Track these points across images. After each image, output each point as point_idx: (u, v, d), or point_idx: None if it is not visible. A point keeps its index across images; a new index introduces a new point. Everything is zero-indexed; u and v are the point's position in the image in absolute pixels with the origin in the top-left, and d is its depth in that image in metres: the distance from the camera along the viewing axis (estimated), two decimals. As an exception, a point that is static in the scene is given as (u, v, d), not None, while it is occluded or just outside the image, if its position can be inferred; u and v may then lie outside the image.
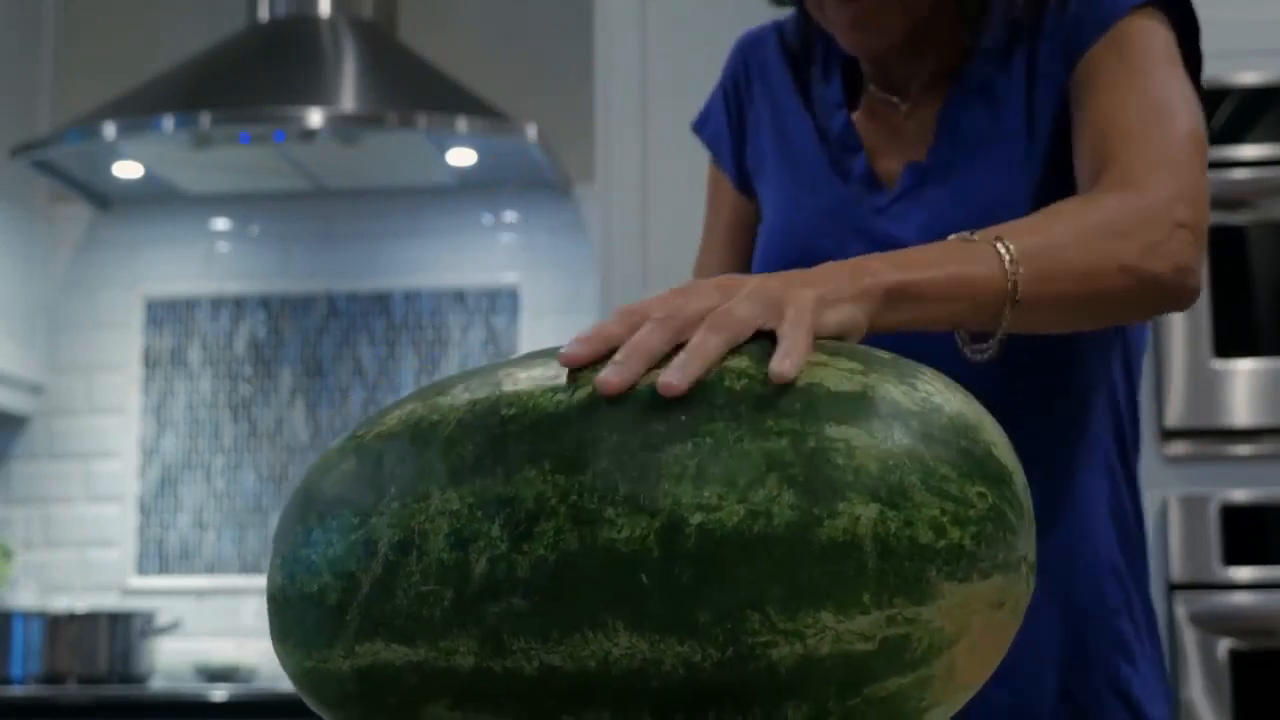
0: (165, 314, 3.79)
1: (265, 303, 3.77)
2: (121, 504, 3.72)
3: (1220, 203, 2.65)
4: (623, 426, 0.75)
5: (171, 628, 3.51)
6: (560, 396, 0.78)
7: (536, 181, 3.67)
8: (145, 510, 3.71)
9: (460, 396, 0.81)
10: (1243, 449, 2.61)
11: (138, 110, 3.32)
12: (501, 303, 3.69)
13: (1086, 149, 1.15)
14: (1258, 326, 2.63)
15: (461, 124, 3.27)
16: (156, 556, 3.68)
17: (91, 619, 3.32)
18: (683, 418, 0.75)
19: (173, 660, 3.59)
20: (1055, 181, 1.21)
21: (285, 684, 3.18)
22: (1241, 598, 2.54)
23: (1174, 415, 2.61)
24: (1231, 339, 2.62)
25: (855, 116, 1.32)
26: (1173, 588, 2.56)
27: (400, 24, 3.79)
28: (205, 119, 3.24)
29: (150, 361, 3.77)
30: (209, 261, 3.81)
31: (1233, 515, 2.56)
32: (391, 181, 3.72)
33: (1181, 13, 1.22)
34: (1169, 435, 2.62)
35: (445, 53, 3.79)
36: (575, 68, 3.72)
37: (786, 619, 0.71)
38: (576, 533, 0.74)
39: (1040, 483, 1.19)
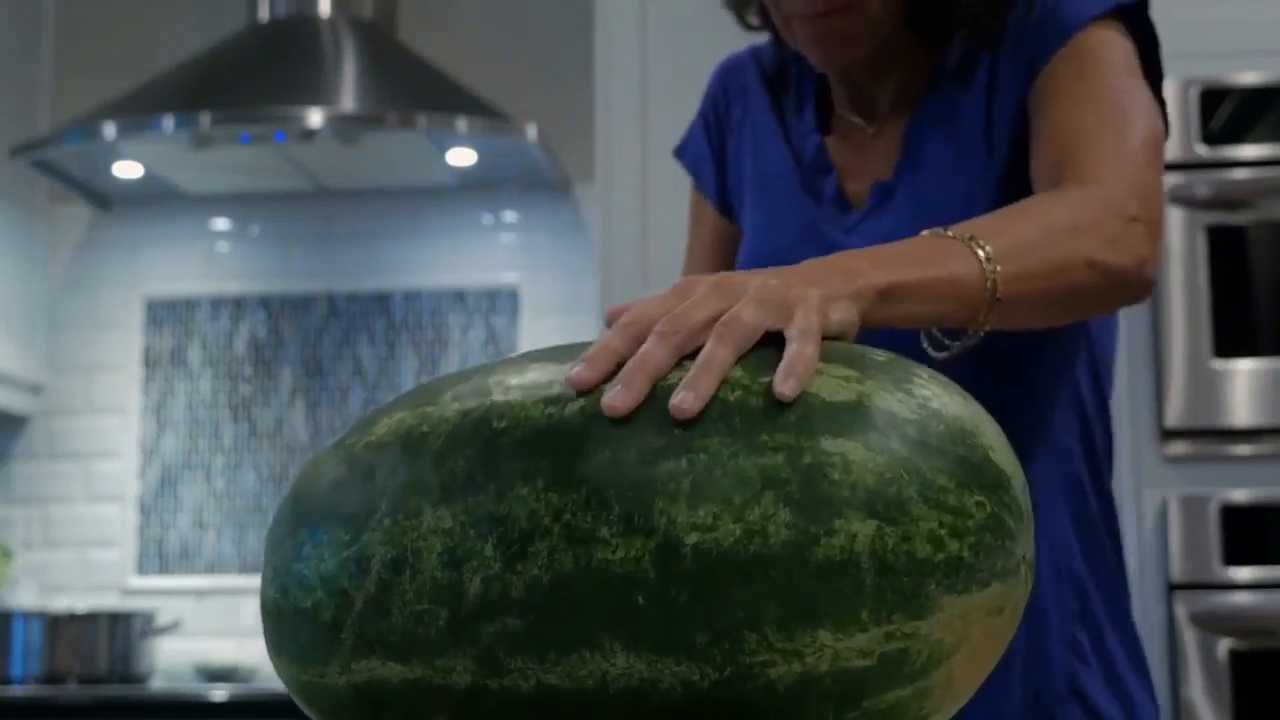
0: (165, 314, 3.79)
1: (265, 303, 3.77)
2: (121, 504, 3.72)
3: (1220, 203, 2.65)
4: (616, 441, 0.74)
5: (171, 628, 3.51)
6: (552, 409, 0.77)
7: (536, 181, 3.67)
8: (145, 510, 3.70)
9: (450, 406, 0.80)
10: (1243, 449, 2.61)
11: (138, 110, 3.32)
12: (501, 303, 3.69)
13: (1044, 154, 1.18)
14: (1258, 326, 2.63)
15: (461, 124, 3.27)
16: (156, 556, 3.68)
17: (91, 619, 3.32)
18: (677, 432, 0.74)
19: (173, 660, 3.59)
20: (1014, 192, 1.23)
21: (284, 686, 3.17)
22: (1241, 598, 2.54)
23: (1174, 415, 2.61)
24: (1231, 339, 2.62)
25: (828, 140, 1.35)
26: (1173, 588, 2.56)
27: (400, 24, 3.79)
28: (205, 119, 3.24)
29: (150, 361, 3.77)
30: (209, 261, 3.80)
31: (1233, 515, 2.56)
32: (391, 181, 3.72)
33: (1141, 26, 1.24)
34: (1169, 435, 2.62)
35: (445, 53, 3.79)
36: (575, 68, 3.72)
37: (784, 638, 0.71)
38: (571, 553, 0.73)
39: None
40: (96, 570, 3.70)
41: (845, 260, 0.89)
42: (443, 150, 3.43)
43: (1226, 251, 2.64)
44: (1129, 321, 2.67)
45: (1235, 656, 2.52)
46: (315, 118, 3.22)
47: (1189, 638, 2.53)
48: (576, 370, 0.77)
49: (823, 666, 0.71)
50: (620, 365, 0.78)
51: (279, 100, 3.26)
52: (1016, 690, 1.23)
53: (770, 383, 0.75)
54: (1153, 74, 1.25)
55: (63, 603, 3.65)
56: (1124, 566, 1.30)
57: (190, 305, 3.78)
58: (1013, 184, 1.23)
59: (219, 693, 3.10)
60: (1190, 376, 2.62)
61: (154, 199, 3.82)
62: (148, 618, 3.43)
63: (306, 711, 0.83)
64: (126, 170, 3.56)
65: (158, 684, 3.42)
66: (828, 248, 1.28)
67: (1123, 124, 1.16)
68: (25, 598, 3.63)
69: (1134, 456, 2.62)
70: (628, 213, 2.96)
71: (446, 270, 3.73)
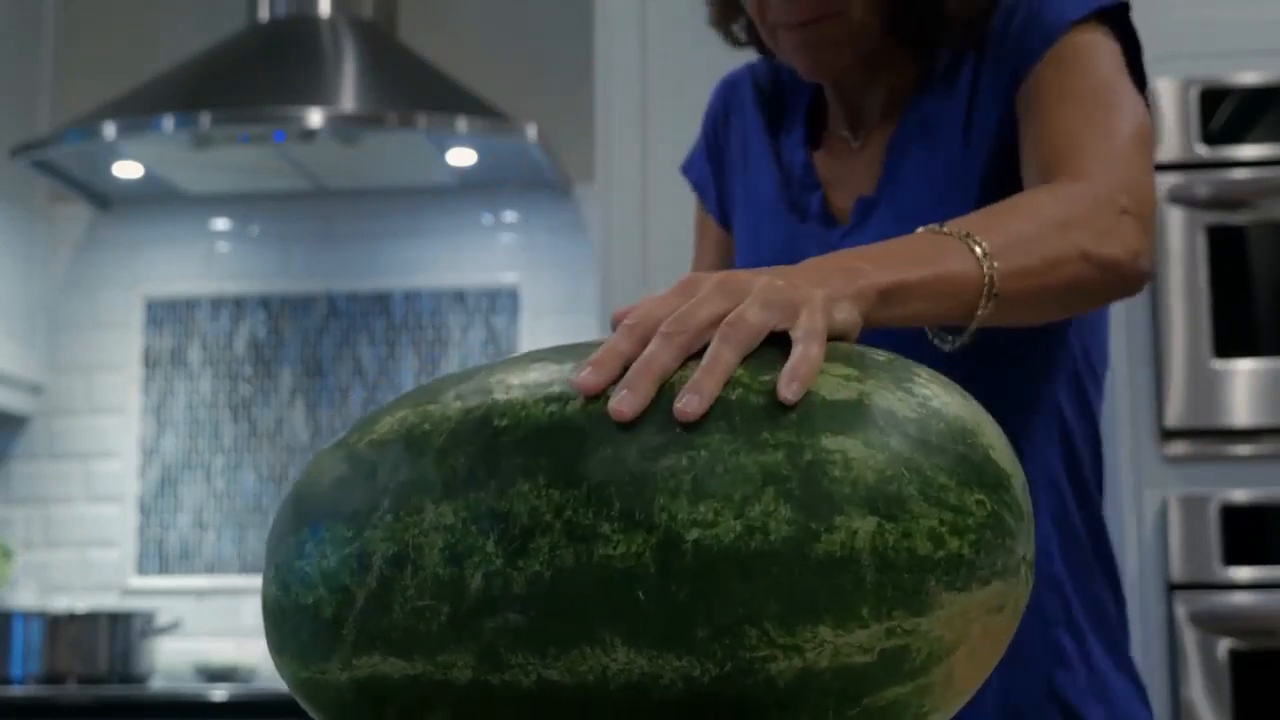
0: (165, 314, 3.79)
1: (265, 303, 3.77)
2: (121, 504, 3.72)
3: (1220, 203, 2.65)
4: (617, 438, 0.75)
5: (171, 628, 3.51)
6: (553, 407, 0.77)
7: (536, 181, 3.67)
8: (145, 510, 3.70)
9: (452, 405, 0.80)
10: (1243, 449, 2.61)
11: (138, 110, 3.32)
12: (501, 303, 3.69)
13: (1033, 155, 1.18)
14: (1258, 326, 2.63)
15: (461, 124, 3.27)
16: (156, 556, 3.68)
17: (91, 619, 3.32)
18: (678, 429, 0.74)
19: (173, 660, 3.59)
20: (995, 199, 1.24)
21: (285, 684, 3.17)
22: (1241, 598, 2.54)
23: (1174, 415, 2.61)
24: (1231, 339, 2.62)
25: (817, 154, 1.37)
26: (1173, 588, 2.56)
27: (400, 24, 3.79)
28: (205, 119, 3.24)
29: (150, 361, 3.77)
30: (209, 261, 3.81)
31: (1233, 515, 2.56)
32: (391, 181, 3.72)
33: (1124, 31, 1.25)
34: (1169, 435, 2.62)
35: (445, 53, 3.79)
36: (575, 68, 3.72)
37: (785, 634, 0.71)
38: (572, 549, 0.73)
39: None
40: (96, 570, 3.70)
41: (846, 260, 0.90)
42: (443, 150, 3.43)
43: (1226, 251, 2.65)
44: (1129, 321, 2.67)
45: (1235, 656, 2.53)
46: (315, 118, 3.22)
47: (1189, 638, 2.53)
48: (584, 374, 0.77)
49: (823, 662, 0.71)
50: (627, 367, 0.78)
51: (279, 100, 3.26)
52: (990, 692, 1.23)
53: (771, 381, 0.75)
54: (1136, 77, 1.26)
55: (63, 603, 3.65)
56: (1113, 570, 1.30)
57: (190, 305, 3.78)
58: (995, 194, 1.24)
59: (219, 693, 3.10)
60: (1190, 376, 2.62)
61: (154, 199, 3.82)
62: (148, 618, 3.43)
63: (307, 709, 0.84)
64: (126, 170, 3.56)
65: (158, 684, 3.43)
66: None
67: (1109, 119, 1.17)
68: (25, 598, 3.63)
69: (1134, 456, 2.62)
70: (628, 213, 2.96)
71: (446, 270, 3.73)
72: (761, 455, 0.73)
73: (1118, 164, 1.13)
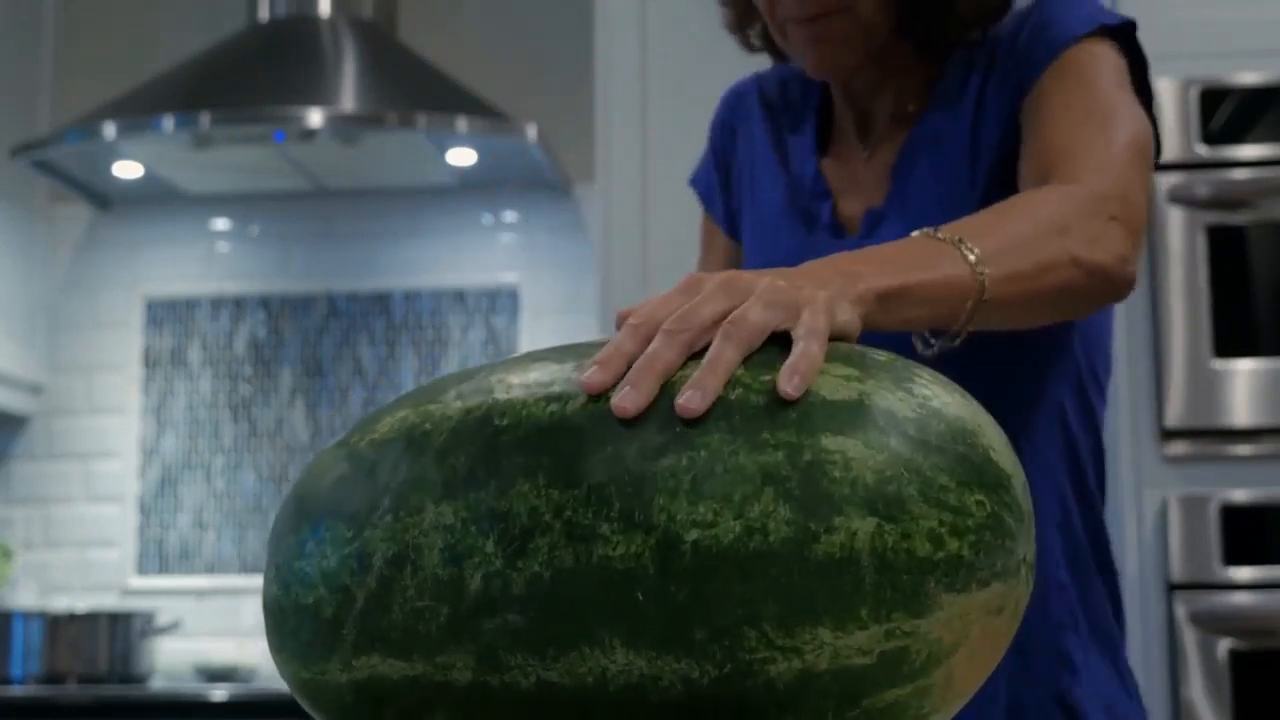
0: (165, 314, 3.79)
1: (265, 303, 3.77)
2: (121, 504, 3.72)
3: (1220, 203, 2.65)
4: (617, 438, 0.75)
5: (171, 628, 3.51)
6: (554, 406, 0.77)
7: (536, 181, 3.67)
8: (145, 510, 3.70)
9: (453, 404, 0.80)
10: (1243, 449, 2.61)
11: (138, 110, 3.32)
12: (501, 303, 3.69)
13: (1031, 164, 1.20)
14: (1258, 326, 2.63)
15: (461, 124, 3.27)
16: (156, 556, 3.68)
17: (91, 619, 3.32)
18: (678, 429, 0.74)
19: (173, 660, 3.59)
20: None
21: (285, 684, 3.18)
22: (1241, 598, 2.54)
23: (1174, 415, 2.61)
24: (1231, 339, 2.62)
25: (825, 162, 1.37)
26: (1173, 588, 2.56)
27: (400, 24, 3.79)
28: (205, 119, 3.24)
29: (150, 361, 3.77)
30: (209, 261, 3.80)
31: (1233, 515, 2.56)
32: (391, 181, 3.72)
33: (1129, 47, 1.25)
34: (1169, 435, 2.62)
35: (445, 53, 3.79)
36: (575, 68, 3.72)
37: (784, 635, 0.71)
38: (571, 549, 0.73)
39: None
40: (96, 570, 3.70)
41: (846, 263, 0.90)
42: (443, 150, 3.43)
43: (1226, 251, 2.64)
44: (1129, 322, 2.67)
45: (1235, 656, 2.52)
46: (315, 118, 3.22)
47: (1189, 638, 2.53)
48: (589, 374, 0.77)
49: (822, 664, 0.71)
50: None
51: (279, 100, 3.26)
52: (997, 696, 1.24)
53: (771, 381, 0.76)
54: (1143, 94, 1.26)
55: (63, 603, 3.65)
56: (1113, 576, 1.31)
57: (190, 305, 3.78)
58: (997, 199, 1.25)
59: (219, 693, 3.10)
60: (1190, 376, 2.62)
61: (154, 199, 3.82)
62: (148, 618, 3.43)
63: (308, 709, 0.84)
64: (126, 170, 3.56)
65: (158, 684, 3.43)
66: None
67: (1106, 127, 1.17)
68: (25, 598, 3.63)
69: (1134, 456, 2.62)
70: (628, 213, 2.96)
71: (446, 270, 3.73)
72: (761, 455, 0.73)
73: (1110, 172, 1.13)
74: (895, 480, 0.72)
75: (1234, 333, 2.62)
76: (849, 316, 0.84)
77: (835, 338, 0.82)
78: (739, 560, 0.71)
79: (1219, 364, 2.62)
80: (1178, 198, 2.66)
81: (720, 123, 1.49)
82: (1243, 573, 2.55)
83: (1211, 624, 2.54)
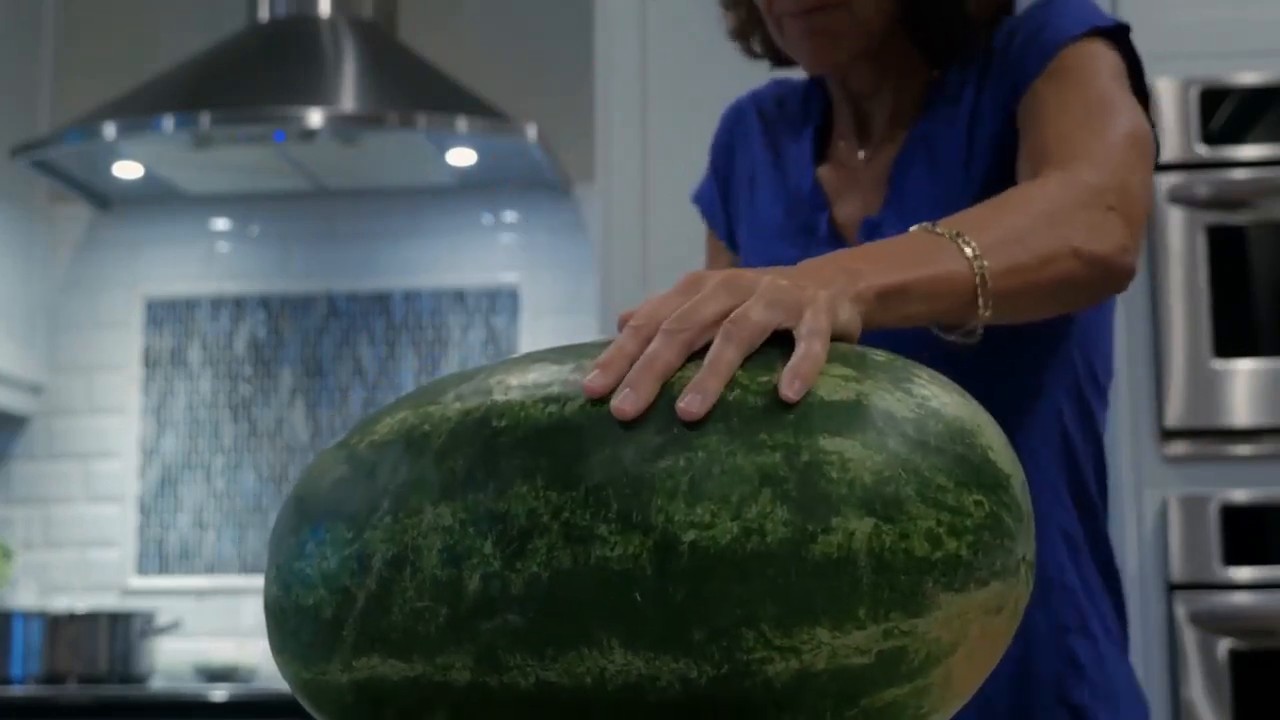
0: (165, 314, 3.79)
1: (265, 303, 3.77)
2: (121, 504, 3.72)
3: (1220, 203, 2.65)
4: (615, 439, 0.75)
5: (171, 628, 3.51)
6: (552, 408, 0.77)
7: (536, 181, 3.67)
8: (145, 510, 3.70)
9: (452, 405, 0.80)
10: (1243, 449, 2.61)
11: (138, 110, 3.32)
12: (501, 303, 3.69)
13: (1027, 163, 1.19)
14: (1258, 326, 2.63)
15: (461, 124, 3.27)
16: (156, 556, 3.68)
17: (91, 619, 3.32)
18: (675, 430, 0.74)
19: (173, 660, 3.59)
20: None
21: (285, 684, 3.18)
22: (1241, 598, 2.54)
23: (1174, 415, 2.61)
24: (1231, 339, 2.62)
25: (823, 169, 1.38)
26: (1173, 588, 2.56)
27: (400, 24, 3.79)
28: (205, 119, 3.24)
29: (150, 361, 3.77)
30: (209, 261, 3.81)
31: (1233, 515, 2.56)
32: (391, 181, 3.72)
33: (1124, 48, 1.26)
34: (1169, 435, 2.62)
35: (445, 53, 3.79)
36: (575, 68, 3.72)
37: (782, 635, 0.71)
38: (569, 550, 0.73)
39: None
40: (96, 570, 3.70)
41: (846, 260, 0.90)
42: (443, 150, 3.43)
43: (1226, 251, 2.64)
44: (1129, 321, 2.67)
45: (1235, 656, 2.52)
46: (315, 118, 3.22)
47: (1189, 638, 2.53)
48: (591, 377, 0.77)
49: (820, 664, 0.71)
50: None
51: (279, 100, 3.26)
52: (1005, 699, 1.24)
53: (770, 382, 0.75)
54: (1140, 96, 1.26)
55: (63, 603, 3.65)
56: (1116, 579, 1.31)
57: (190, 305, 3.78)
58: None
59: (219, 693, 3.10)
60: (1190, 376, 2.62)
61: (154, 199, 3.82)
62: (148, 618, 3.43)
63: (309, 709, 0.84)
64: (126, 170, 3.56)
65: (158, 684, 3.43)
66: None
67: (1103, 122, 1.17)
68: (25, 598, 3.63)
69: (1134, 456, 2.62)
70: (628, 213, 2.96)
71: (446, 270, 3.73)
72: (759, 456, 0.73)
73: (1107, 163, 1.13)
74: (893, 480, 0.72)
75: (1234, 333, 2.62)
76: (850, 315, 0.84)
77: (837, 337, 0.82)
78: (736, 561, 0.71)
79: (1219, 364, 2.62)
80: (1178, 198, 2.66)
81: (720, 140, 1.50)
82: (1243, 573, 2.55)
83: (1211, 624, 2.53)
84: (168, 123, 3.25)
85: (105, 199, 3.80)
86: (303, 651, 0.81)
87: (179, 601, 3.65)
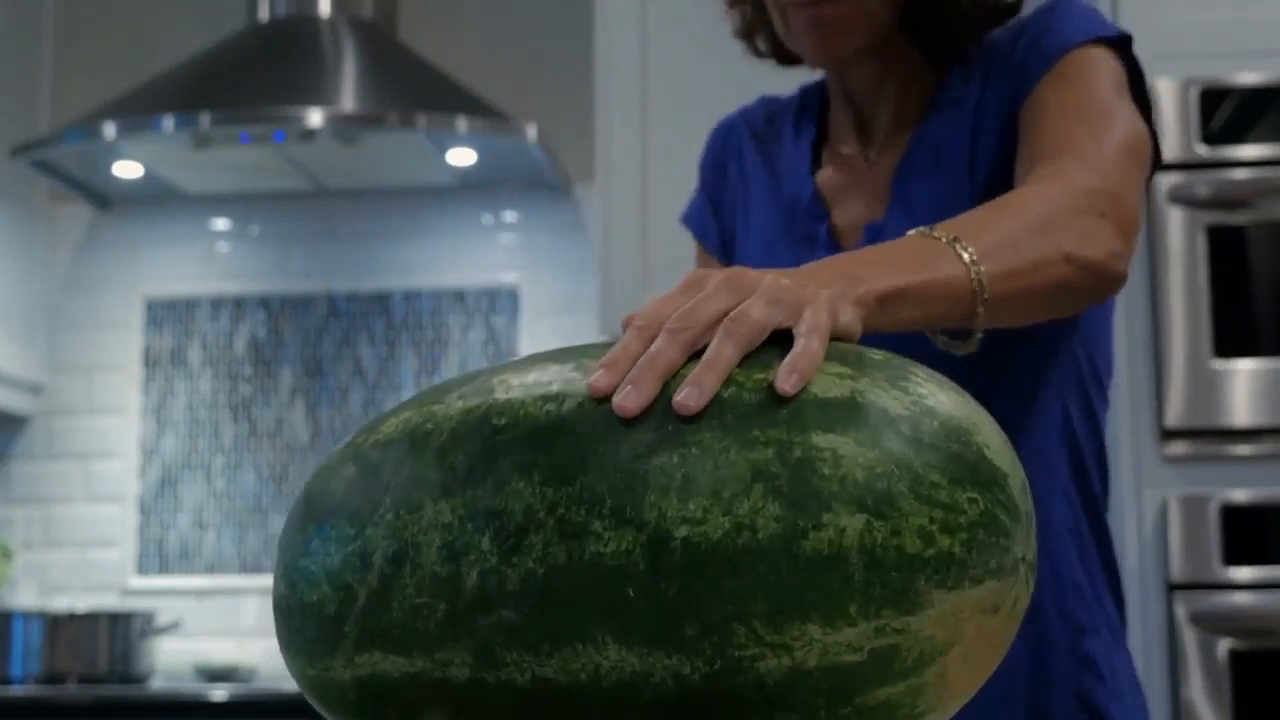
0: (165, 314, 3.79)
1: (265, 303, 3.77)
2: (121, 504, 3.72)
3: (1220, 203, 2.65)
4: (611, 436, 0.75)
5: (171, 628, 3.51)
6: (550, 405, 0.77)
7: (536, 181, 3.67)
8: (145, 510, 3.71)
9: (454, 404, 0.81)
10: (1243, 449, 2.61)
11: (138, 110, 3.32)
12: (501, 303, 3.69)
13: (1026, 166, 1.20)
14: (1258, 326, 2.62)
15: (461, 124, 3.27)
16: (156, 556, 3.68)
17: (91, 619, 3.32)
18: (670, 427, 0.74)
19: (173, 660, 3.59)
20: None
21: (285, 684, 3.18)
22: (1241, 598, 2.54)
23: (1174, 415, 2.61)
24: (1231, 339, 2.62)
25: (821, 175, 1.38)
26: (1173, 588, 2.56)
27: (400, 24, 3.79)
28: (205, 119, 3.24)
29: (150, 361, 3.77)
30: (209, 261, 3.81)
31: (1233, 515, 2.56)
32: (391, 181, 3.72)
33: (1126, 58, 1.27)
34: (1169, 435, 2.62)
35: (445, 53, 3.79)
36: (575, 68, 3.72)
37: (773, 632, 0.71)
38: (564, 546, 0.73)
39: None
40: (96, 570, 3.70)
41: (844, 264, 0.90)
42: (443, 150, 3.43)
43: (1226, 251, 2.64)
44: (1129, 322, 2.67)
45: (1235, 656, 2.52)
46: (315, 118, 3.22)
47: (1189, 638, 2.53)
48: (596, 376, 0.77)
49: (811, 661, 0.71)
50: None
51: (279, 100, 3.26)
52: (1021, 699, 1.24)
53: (765, 379, 0.76)
54: (1141, 105, 1.27)
55: (63, 603, 3.65)
56: (1117, 579, 1.32)
57: (190, 305, 3.78)
58: None
59: (219, 693, 3.10)
60: (1190, 376, 2.62)
61: (154, 199, 3.82)
62: (148, 618, 3.43)
63: (316, 706, 0.84)
64: (126, 170, 3.56)
65: (158, 684, 3.43)
66: None
67: (1101, 126, 1.18)
68: (25, 598, 3.63)
69: (1134, 456, 2.62)
70: (628, 213, 2.96)
71: (446, 270, 3.73)
72: (751, 452, 0.73)
73: (1100, 169, 1.14)
74: (885, 477, 0.72)
75: (1234, 333, 2.62)
76: (851, 317, 0.84)
77: (836, 338, 0.82)
78: (728, 557, 0.71)
79: (1219, 364, 2.62)
80: (1178, 198, 2.65)
81: (710, 158, 1.50)
82: (1243, 573, 2.54)
83: (1211, 624, 2.53)
84: (168, 123, 3.25)
85: (105, 199, 3.80)
86: (308, 648, 0.82)
87: (179, 601, 3.65)
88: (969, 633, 0.74)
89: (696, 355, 0.78)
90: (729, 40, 1.46)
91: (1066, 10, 1.29)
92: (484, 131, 3.28)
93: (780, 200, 1.39)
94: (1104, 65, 1.24)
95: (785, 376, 0.75)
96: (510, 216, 3.74)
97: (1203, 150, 2.67)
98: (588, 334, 3.59)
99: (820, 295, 0.81)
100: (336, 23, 3.53)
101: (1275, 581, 2.54)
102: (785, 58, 1.42)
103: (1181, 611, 2.54)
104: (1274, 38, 2.73)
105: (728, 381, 0.76)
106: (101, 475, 3.73)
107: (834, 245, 1.33)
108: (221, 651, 3.59)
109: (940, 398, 0.76)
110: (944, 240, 0.98)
